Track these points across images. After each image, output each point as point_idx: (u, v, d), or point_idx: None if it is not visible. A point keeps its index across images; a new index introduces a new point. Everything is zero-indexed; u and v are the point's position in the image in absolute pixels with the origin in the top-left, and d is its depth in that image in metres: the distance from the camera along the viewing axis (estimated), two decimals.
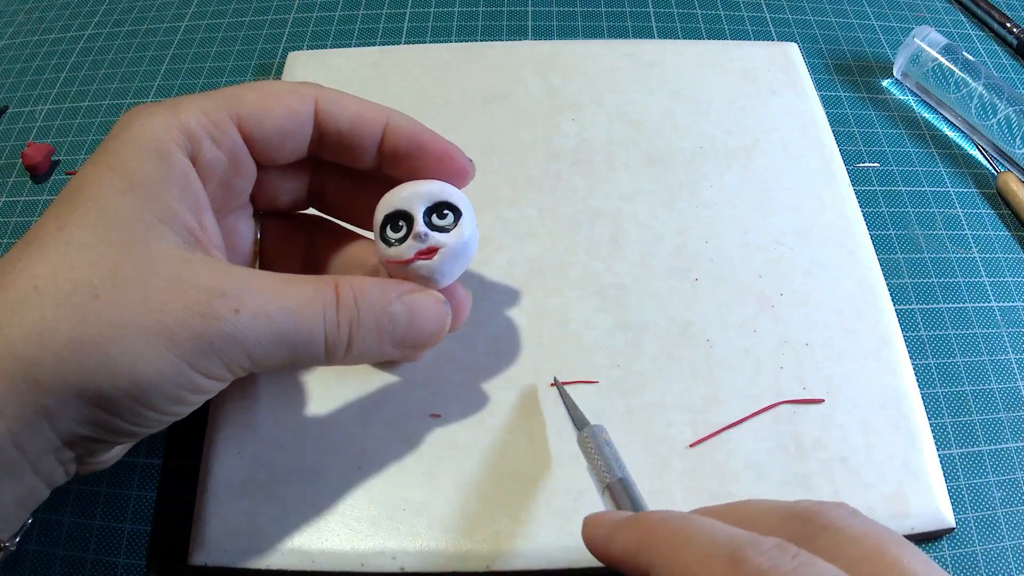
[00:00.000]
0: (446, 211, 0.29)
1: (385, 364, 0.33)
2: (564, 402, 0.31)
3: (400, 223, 0.28)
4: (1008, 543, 0.32)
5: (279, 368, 0.27)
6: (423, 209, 0.28)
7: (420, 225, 0.28)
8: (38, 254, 0.23)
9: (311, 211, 0.34)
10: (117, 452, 0.28)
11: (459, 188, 0.30)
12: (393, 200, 0.29)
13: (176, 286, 0.24)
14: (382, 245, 0.29)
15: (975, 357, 0.37)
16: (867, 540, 0.19)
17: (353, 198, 0.32)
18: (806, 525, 0.20)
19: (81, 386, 0.22)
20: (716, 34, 0.51)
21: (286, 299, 0.25)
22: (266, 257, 0.33)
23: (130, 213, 0.24)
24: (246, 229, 0.31)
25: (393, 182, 0.30)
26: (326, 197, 0.33)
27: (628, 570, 0.22)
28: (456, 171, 0.30)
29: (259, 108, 0.28)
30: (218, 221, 0.29)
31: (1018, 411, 0.35)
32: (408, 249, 0.28)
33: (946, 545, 0.32)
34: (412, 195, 0.29)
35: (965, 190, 0.43)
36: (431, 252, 0.28)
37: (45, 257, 0.23)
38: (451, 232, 0.28)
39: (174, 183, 0.26)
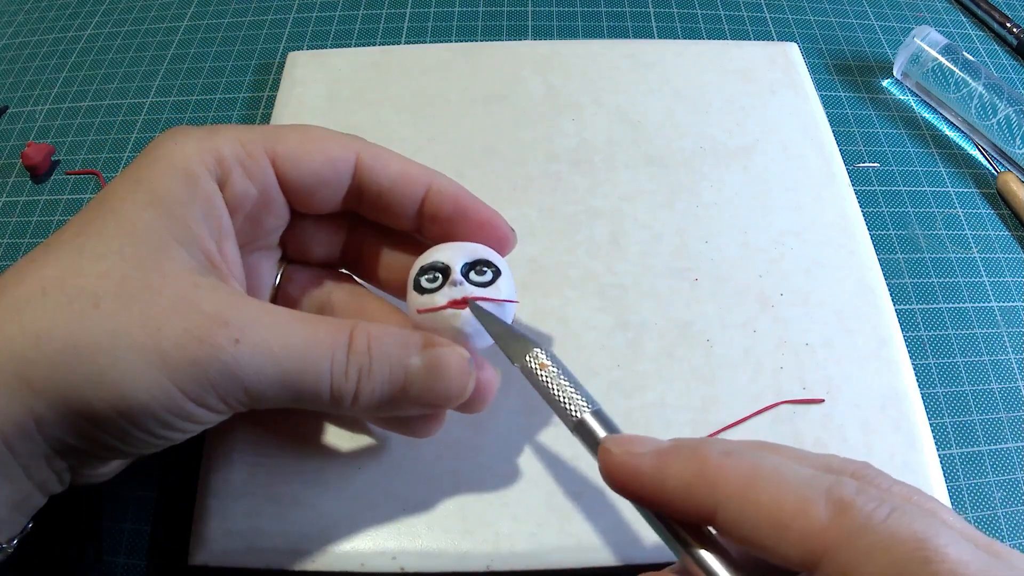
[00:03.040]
0: (485, 268, 0.28)
1: (401, 438, 0.31)
2: (488, 329, 0.27)
3: (436, 275, 0.27)
4: (1009, 543, 0.32)
5: (282, 406, 0.25)
6: (462, 263, 0.27)
7: (456, 274, 0.27)
8: (53, 257, 0.23)
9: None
10: (115, 467, 0.27)
11: (500, 256, 0.29)
12: (432, 254, 0.28)
13: (179, 307, 0.23)
14: (414, 294, 0.27)
15: (975, 357, 0.37)
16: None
17: (387, 262, 0.31)
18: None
19: (70, 394, 0.22)
20: (716, 34, 0.51)
21: (292, 336, 0.24)
22: (280, 304, 0.31)
23: (147, 229, 0.24)
24: (267, 272, 0.30)
25: (430, 247, 0.29)
26: (361, 258, 0.32)
27: (680, 507, 0.20)
28: (499, 239, 0.29)
29: (298, 149, 0.27)
30: (241, 256, 0.28)
31: (1018, 411, 0.35)
32: (441, 296, 0.27)
33: None
34: (451, 250, 0.28)
35: (965, 190, 0.43)
36: (465, 303, 0.26)
37: (57, 260, 0.23)
38: (488, 289, 0.27)
39: (198, 205, 0.25)
